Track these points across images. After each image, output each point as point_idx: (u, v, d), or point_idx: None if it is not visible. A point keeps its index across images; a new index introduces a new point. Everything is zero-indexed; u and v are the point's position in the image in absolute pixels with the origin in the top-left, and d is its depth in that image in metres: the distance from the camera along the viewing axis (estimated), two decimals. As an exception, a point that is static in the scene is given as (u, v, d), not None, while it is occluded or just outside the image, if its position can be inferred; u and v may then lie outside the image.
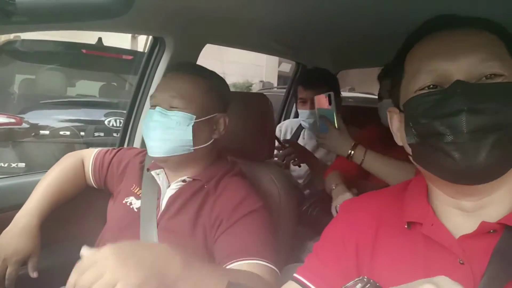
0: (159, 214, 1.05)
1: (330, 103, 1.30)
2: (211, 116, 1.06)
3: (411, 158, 0.67)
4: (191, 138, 1.02)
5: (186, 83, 1.05)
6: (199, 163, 1.09)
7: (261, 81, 9.31)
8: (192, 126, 1.02)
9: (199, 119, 1.03)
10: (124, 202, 1.12)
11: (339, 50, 2.17)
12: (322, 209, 1.64)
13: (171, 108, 1.02)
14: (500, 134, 0.55)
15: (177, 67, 1.14)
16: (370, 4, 1.30)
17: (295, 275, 0.75)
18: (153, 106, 1.05)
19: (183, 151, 1.03)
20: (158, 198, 1.07)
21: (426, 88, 0.62)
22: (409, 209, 0.68)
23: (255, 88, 8.79)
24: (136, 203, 1.09)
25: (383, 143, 1.56)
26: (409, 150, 0.66)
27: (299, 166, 1.84)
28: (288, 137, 2.11)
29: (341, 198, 1.31)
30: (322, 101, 1.35)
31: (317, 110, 1.38)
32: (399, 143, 0.72)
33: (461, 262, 0.59)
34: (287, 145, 1.83)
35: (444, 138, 0.57)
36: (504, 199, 0.61)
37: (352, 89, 4.49)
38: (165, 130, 1.01)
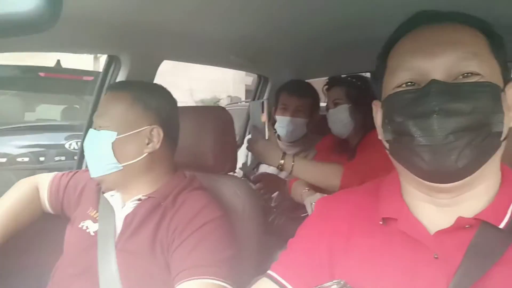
0: (116, 236, 1.01)
1: (262, 111, 1.31)
2: (139, 130, 1.02)
3: (388, 153, 0.67)
4: (113, 155, 1.00)
5: (109, 101, 1.06)
6: (146, 178, 1.06)
7: (228, 96, 9.34)
8: (113, 143, 1.00)
9: (122, 135, 1.00)
10: (80, 226, 1.08)
11: (300, 61, 2.20)
12: (288, 218, 1.65)
13: (99, 128, 1.03)
14: (472, 136, 0.56)
15: (108, 87, 1.17)
16: (328, 15, 1.34)
17: (268, 271, 0.74)
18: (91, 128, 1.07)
19: (111, 169, 1.01)
20: (114, 220, 1.04)
21: (404, 85, 0.62)
22: (384, 205, 0.68)
23: (223, 103, 8.80)
24: (93, 227, 1.05)
25: (336, 151, 1.62)
26: (387, 145, 0.66)
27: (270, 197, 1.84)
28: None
29: (315, 196, 1.33)
30: (255, 107, 1.35)
31: (250, 118, 1.39)
32: (380, 137, 0.71)
33: (435, 256, 0.60)
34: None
35: (416, 138, 0.57)
36: (481, 195, 0.62)
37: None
38: (93, 150, 1.03)
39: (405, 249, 0.63)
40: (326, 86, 1.63)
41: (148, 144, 1.04)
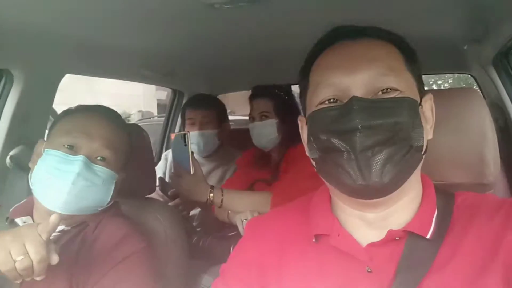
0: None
1: (185, 144, 1.25)
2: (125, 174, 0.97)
3: (316, 170, 0.66)
4: (109, 199, 0.91)
5: (116, 134, 0.93)
6: None
7: (139, 111, 8.94)
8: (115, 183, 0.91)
9: (119, 178, 0.93)
10: None
11: (214, 74, 2.18)
12: (214, 237, 1.59)
13: (98, 159, 0.88)
14: (394, 151, 0.56)
15: (96, 110, 0.98)
16: (242, 28, 1.33)
17: None
18: (69, 148, 0.87)
19: (92, 211, 0.90)
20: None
21: (327, 102, 0.62)
22: (315, 222, 0.68)
23: (134, 119, 8.38)
24: None
25: (258, 166, 1.60)
26: (313, 163, 0.65)
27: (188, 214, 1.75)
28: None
29: (246, 213, 1.28)
30: (177, 140, 1.28)
31: (172, 151, 1.31)
32: (308, 154, 0.70)
33: (369, 270, 0.60)
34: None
35: (341, 155, 0.58)
36: (406, 208, 0.63)
37: (232, 113, 4.61)
38: (86, 186, 0.85)
39: (338, 265, 0.62)
40: (251, 96, 1.59)
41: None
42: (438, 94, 0.74)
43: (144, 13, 1.09)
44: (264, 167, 1.59)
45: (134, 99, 9.93)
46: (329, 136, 0.59)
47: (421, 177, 0.67)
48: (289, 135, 1.45)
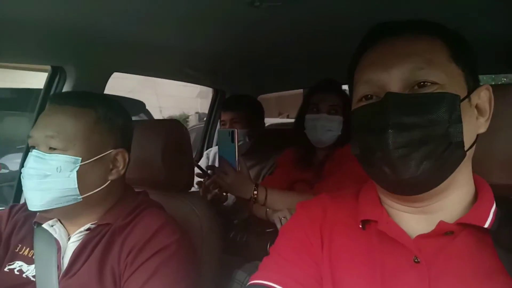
0: (60, 275, 0.87)
1: (232, 140, 1.25)
2: (104, 154, 0.90)
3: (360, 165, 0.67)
4: (76, 186, 0.84)
5: (67, 117, 0.87)
6: (100, 205, 0.93)
7: (197, 113, 9.22)
8: (77, 171, 0.85)
9: (86, 161, 0.86)
10: (6, 270, 0.90)
11: (255, 74, 2.20)
12: (252, 233, 1.59)
13: (50, 150, 0.85)
14: (429, 148, 0.55)
15: (56, 98, 0.93)
16: (280, 27, 1.33)
17: (252, 281, 0.68)
18: (31, 148, 0.86)
19: (68, 201, 0.85)
20: (59, 256, 0.89)
21: (364, 99, 0.63)
22: (364, 209, 0.68)
23: (192, 119, 8.82)
24: (29, 269, 0.89)
25: (300, 166, 1.57)
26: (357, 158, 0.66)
27: (225, 194, 1.78)
28: (217, 164, 2.06)
29: (284, 211, 1.28)
30: (223, 136, 1.27)
31: (218, 147, 1.30)
32: (351, 150, 0.71)
33: (416, 260, 0.59)
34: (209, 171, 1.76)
35: (375, 153, 0.58)
36: (455, 204, 0.62)
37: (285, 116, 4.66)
38: (42, 178, 0.83)
39: (386, 253, 0.62)
40: (319, 87, 1.54)
41: (112, 170, 0.92)
42: (498, 88, 0.69)
43: (188, 12, 1.13)
44: (306, 167, 1.55)
45: (193, 101, 10.25)
46: (365, 133, 0.60)
47: (477, 178, 0.65)
48: (344, 136, 1.43)
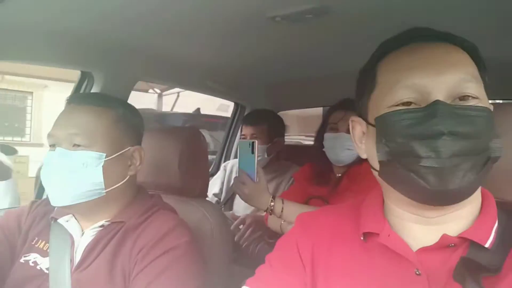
0: (73, 269, 0.90)
1: (252, 152, 1.27)
2: (124, 150, 0.95)
3: (376, 172, 0.65)
4: (102, 180, 0.90)
5: (89, 116, 0.92)
6: (116, 203, 0.97)
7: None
8: (103, 166, 0.90)
9: (110, 157, 0.91)
10: (22, 261, 0.94)
11: (276, 90, 2.23)
12: (265, 244, 1.59)
13: (74, 147, 0.89)
14: (475, 160, 0.55)
15: (77, 98, 0.98)
16: (301, 43, 1.36)
17: (244, 287, 0.71)
18: (52, 147, 0.90)
19: (93, 195, 0.90)
20: (72, 250, 0.93)
21: (401, 104, 0.59)
22: (365, 221, 0.67)
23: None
24: (43, 262, 0.92)
25: (316, 182, 1.58)
26: (376, 165, 0.64)
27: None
28: (234, 175, 2.09)
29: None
30: (244, 147, 1.30)
31: (239, 157, 1.33)
32: (363, 155, 0.69)
33: (417, 273, 0.58)
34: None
35: (421, 161, 0.55)
36: (466, 216, 0.61)
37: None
38: (68, 174, 0.87)
39: (386, 265, 0.62)
40: (338, 106, 1.54)
41: (130, 166, 0.98)
42: (496, 107, 0.70)
43: (211, 27, 1.18)
44: (322, 184, 1.55)
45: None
46: (408, 139, 0.56)
47: (482, 190, 0.64)
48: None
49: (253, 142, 1.27)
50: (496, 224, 0.60)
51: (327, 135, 1.52)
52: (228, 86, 2.05)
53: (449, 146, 0.54)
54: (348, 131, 1.43)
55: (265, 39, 1.31)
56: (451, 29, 0.64)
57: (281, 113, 2.29)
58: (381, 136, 0.61)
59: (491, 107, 0.62)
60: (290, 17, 1.10)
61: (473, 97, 0.58)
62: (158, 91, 8.60)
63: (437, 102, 0.55)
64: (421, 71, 0.59)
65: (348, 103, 1.53)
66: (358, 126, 0.70)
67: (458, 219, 0.61)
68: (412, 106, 0.58)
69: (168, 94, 8.63)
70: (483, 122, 0.56)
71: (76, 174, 0.87)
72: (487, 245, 0.58)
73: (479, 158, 0.56)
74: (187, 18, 1.10)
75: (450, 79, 0.58)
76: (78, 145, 0.89)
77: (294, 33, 1.25)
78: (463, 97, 0.58)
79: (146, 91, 8.44)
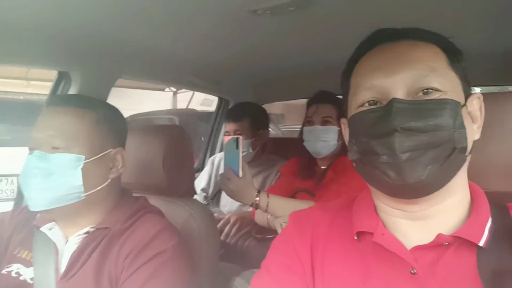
0: (58, 278, 0.87)
1: (237, 147, 1.28)
2: (105, 153, 0.92)
3: (356, 171, 0.67)
4: (81, 183, 0.87)
5: (69, 118, 0.89)
6: (99, 207, 0.94)
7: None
8: (82, 168, 0.87)
9: (89, 159, 0.88)
10: (4, 272, 0.90)
11: (259, 83, 2.21)
12: (253, 240, 1.59)
13: (53, 149, 0.86)
14: (436, 153, 0.56)
15: (56, 100, 0.96)
16: (283, 36, 1.34)
17: None
18: (30, 150, 0.88)
19: (71, 199, 0.87)
20: (57, 259, 0.90)
21: (366, 104, 0.63)
22: (359, 220, 0.68)
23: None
24: (27, 272, 0.89)
25: (302, 175, 1.59)
26: (354, 164, 0.66)
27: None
28: (221, 170, 2.07)
29: (286, 217, 1.28)
30: (228, 144, 1.32)
31: (224, 154, 1.35)
32: (349, 156, 0.71)
33: (412, 272, 0.59)
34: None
35: (380, 157, 0.57)
36: (452, 211, 0.62)
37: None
38: (46, 177, 0.84)
39: (381, 265, 0.62)
40: (313, 99, 1.58)
41: (111, 168, 0.95)
42: (487, 97, 0.70)
43: (192, 20, 1.14)
44: (308, 177, 1.57)
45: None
46: (368, 138, 0.60)
47: (471, 185, 0.65)
48: (344, 145, 1.43)
49: (237, 138, 1.28)
50: (490, 222, 0.61)
51: (304, 129, 1.57)
52: (211, 81, 2.02)
53: (402, 141, 0.55)
54: (323, 123, 1.50)
55: (248, 32, 1.28)
56: (436, 19, 0.64)
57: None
58: (351, 136, 0.65)
59: (480, 97, 0.64)
60: (272, 10, 1.08)
61: (435, 90, 0.58)
62: (174, 89, 8.50)
63: (392, 100, 0.58)
64: (379, 72, 0.62)
65: (321, 96, 1.56)
66: (346, 128, 0.71)
67: (444, 214, 0.61)
68: (377, 105, 0.61)
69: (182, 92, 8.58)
70: (443, 114, 0.56)
71: (54, 177, 0.85)
72: (481, 243, 0.58)
73: (440, 150, 0.56)
74: (167, 12, 1.06)
75: (408, 76, 0.59)
76: (57, 148, 0.86)
77: (276, 26, 1.23)
78: (425, 91, 0.59)
79: (163, 90, 8.33)
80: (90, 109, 0.93)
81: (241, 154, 1.28)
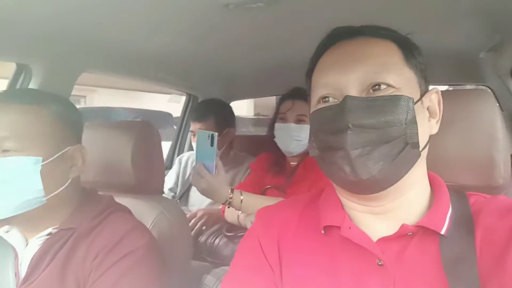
0: (18, 284, 0.82)
1: (212, 144, 1.22)
2: (63, 151, 0.85)
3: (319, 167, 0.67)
4: (42, 187, 0.80)
5: (18, 116, 0.80)
6: (61, 209, 0.88)
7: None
8: (41, 171, 0.80)
9: (47, 160, 0.81)
10: None
11: (228, 79, 2.20)
12: (223, 237, 1.58)
13: (4, 152, 0.78)
14: (387, 148, 0.57)
15: (4, 96, 0.85)
16: (253, 31, 1.34)
17: None
18: None
19: (33, 205, 0.80)
20: (16, 264, 0.84)
21: (322, 101, 0.64)
22: (325, 214, 0.68)
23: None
24: None
25: (273, 171, 1.59)
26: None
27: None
28: (189, 169, 2.04)
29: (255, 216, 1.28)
30: (202, 139, 1.24)
31: (196, 148, 1.28)
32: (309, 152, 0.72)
33: (379, 263, 0.60)
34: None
35: (336, 153, 0.59)
36: (414, 203, 0.63)
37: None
38: (1, 184, 0.77)
39: (349, 258, 0.63)
40: (287, 95, 1.56)
41: (71, 167, 0.89)
42: (448, 94, 0.73)
43: (159, 13, 1.11)
44: (278, 173, 1.56)
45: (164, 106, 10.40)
46: (325, 135, 0.61)
47: (432, 176, 0.67)
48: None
49: (212, 134, 1.22)
50: (450, 210, 0.63)
51: (277, 125, 1.54)
52: (180, 76, 1.98)
53: (354, 138, 0.57)
54: (297, 122, 1.48)
55: (218, 27, 1.27)
56: (399, 17, 0.66)
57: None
58: (311, 133, 0.67)
59: (438, 92, 0.66)
60: (242, 5, 1.07)
61: (388, 86, 0.59)
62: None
63: (345, 97, 0.59)
64: (333, 70, 0.63)
65: (297, 92, 1.54)
66: None
67: (407, 206, 0.63)
68: (330, 101, 0.63)
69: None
70: (395, 110, 0.58)
71: (10, 183, 0.77)
72: (442, 231, 0.60)
73: (391, 146, 0.58)
74: (135, 5, 1.03)
75: (361, 72, 0.60)
76: (8, 150, 0.79)
77: (247, 22, 1.22)
78: (376, 87, 0.60)
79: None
80: (42, 105, 0.85)
81: (216, 151, 1.23)
